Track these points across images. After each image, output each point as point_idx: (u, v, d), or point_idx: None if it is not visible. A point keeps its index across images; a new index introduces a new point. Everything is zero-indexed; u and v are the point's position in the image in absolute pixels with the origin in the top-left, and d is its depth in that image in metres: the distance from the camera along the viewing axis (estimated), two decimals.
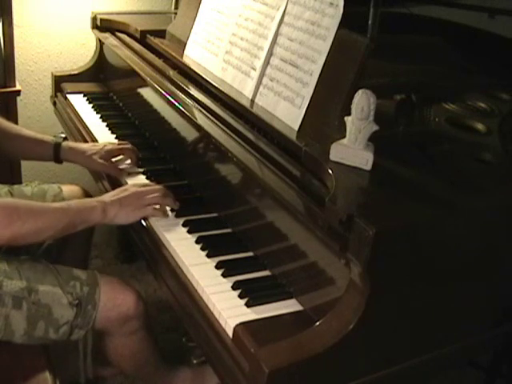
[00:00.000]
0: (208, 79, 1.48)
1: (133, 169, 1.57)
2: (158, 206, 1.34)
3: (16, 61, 2.01)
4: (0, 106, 1.98)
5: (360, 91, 1.07)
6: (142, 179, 1.54)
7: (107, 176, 1.58)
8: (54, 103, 2.09)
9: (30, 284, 1.24)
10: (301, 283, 1.12)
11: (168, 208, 1.35)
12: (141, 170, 1.57)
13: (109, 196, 1.33)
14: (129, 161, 1.58)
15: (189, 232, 1.30)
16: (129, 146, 1.60)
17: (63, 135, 1.63)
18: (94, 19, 2.06)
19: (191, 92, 1.49)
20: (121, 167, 1.56)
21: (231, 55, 1.48)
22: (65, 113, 1.98)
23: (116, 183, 1.53)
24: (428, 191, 1.05)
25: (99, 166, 1.56)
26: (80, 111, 1.92)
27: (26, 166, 2.25)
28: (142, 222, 1.35)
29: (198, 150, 1.48)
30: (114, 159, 1.57)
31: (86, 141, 1.73)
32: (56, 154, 1.58)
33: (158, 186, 1.38)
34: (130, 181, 1.51)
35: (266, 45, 1.36)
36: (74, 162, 1.61)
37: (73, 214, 1.26)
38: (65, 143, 1.59)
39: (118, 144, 1.63)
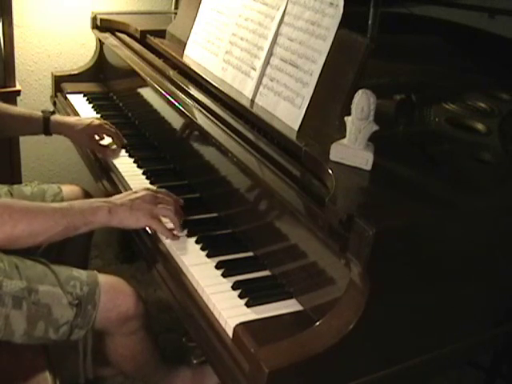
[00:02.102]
0: (208, 79, 1.48)
1: (118, 151, 1.67)
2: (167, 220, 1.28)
3: (16, 61, 2.01)
4: None
5: (360, 91, 1.07)
6: (127, 161, 1.62)
7: (106, 175, 1.59)
8: (54, 103, 2.10)
9: (30, 284, 1.24)
10: (301, 283, 1.12)
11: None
12: (141, 170, 1.57)
13: (118, 197, 1.28)
14: (110, 140, 1.69)
15: (189, 232, 1.30)
16: (113, 130, 1.68)
17: (51, 109, 1.73)
18: (94, 19, 2.06)
19: (191, 92, 1.49)
20: (105, 145, 1.67)
21: (231, 55, 1.48)
22: (65, 113, 1.98)
23: (114, 181, 1.54)
24: (428, 191, 1.05)
25: (86, 142, 1.68)
26: (80, 111, 1.92)
27: (26, 165, 2.26)
28: None
29: (198, 150, 1.48)
30: (102, 142, 1.67)
31: None
32: (45, 127, 1.67)
33: (171, 199, 1.30)
34: (117, 161, 1.61)
35: (266, 45, 1.36)
36: (63, 134, 1.71)
37: (74, 215, 1.20)
38: (53, 117, 1.69)
39: (105, 123, 1.71)
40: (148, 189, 1.32)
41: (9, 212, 1.14)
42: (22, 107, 2.14)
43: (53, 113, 1.70)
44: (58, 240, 1.24)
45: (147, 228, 1.31)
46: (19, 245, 1.18)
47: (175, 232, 1.27)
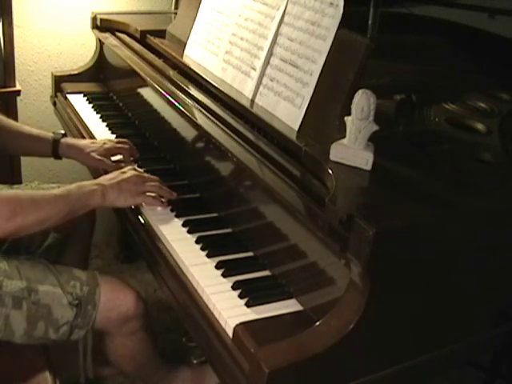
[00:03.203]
0: (208, 79, 1.48)
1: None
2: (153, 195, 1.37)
3: (16, 61, 2.00)
4: (0, 106, 1.98)
5: (360, 91, 1.07)
6: None
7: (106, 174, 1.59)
8: (54, 103, 2.10)
9: (30, 284, 1.24)
10: (301, 283, 1.12)
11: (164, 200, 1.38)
12: (141, 170, 1.57)
13: (107, 179, 1.34)
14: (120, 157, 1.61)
15: (189, 232, 1.30)
16: (127, 146, 1.59)
17: (62, 132, 1.65)
18: (94, 19, 2.06)
19: (191, 92, 1.49)
20: (117, 163, 1.58)
21: (231, 55, 1.48)
22: (65, 113, 1.98)
23: None
24: (428, 191, 1.05)
25: (97, 163, 1.56)
26: (80, 111, 1.92)
27: (26, 165, 2.25)
28: (141, 220, 1.35)
29: (198, 150, 1.48)
30: (112, 158, 1.57)
31: None
32: (55, 150, 1.60)
33: (155, 177, 1.41)
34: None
35: (266, 45, 1.36)
36: (73, 158, 1.62)
37: (73, 200, 1.27)
38: (63, 140, 1.61)
39: (117, 142, 1.62)
40: (134, 168, 1.41)
41: (19, 204, 1.20)
42: (22, 107, 2.16)
43: (64, 135, 1.62)
44: (59, 224, 1.30)
45: (141, 220, 1.34)
46: (28, 232, 1.26)
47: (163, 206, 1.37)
